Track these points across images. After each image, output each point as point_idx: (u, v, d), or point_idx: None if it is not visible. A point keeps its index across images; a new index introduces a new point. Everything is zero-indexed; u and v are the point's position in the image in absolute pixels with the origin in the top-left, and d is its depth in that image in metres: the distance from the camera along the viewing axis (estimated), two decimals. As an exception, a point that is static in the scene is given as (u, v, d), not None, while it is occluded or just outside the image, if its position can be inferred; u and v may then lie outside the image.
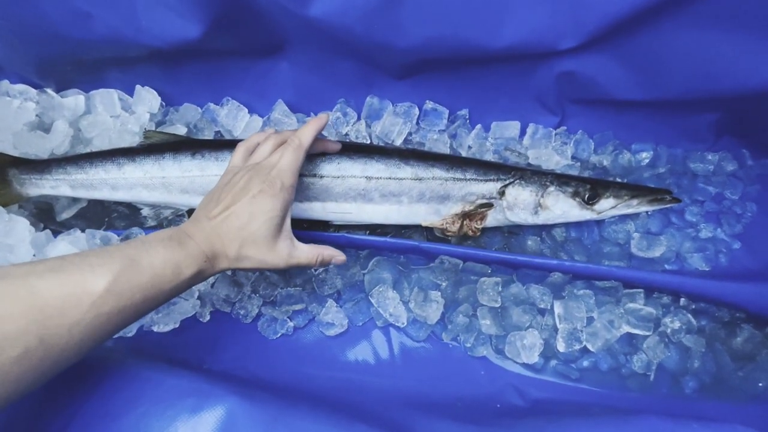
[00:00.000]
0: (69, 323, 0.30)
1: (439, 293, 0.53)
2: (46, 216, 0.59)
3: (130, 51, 0.52)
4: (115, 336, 0.51)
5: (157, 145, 0.54)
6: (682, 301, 0.54)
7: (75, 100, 0.60)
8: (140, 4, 0.44)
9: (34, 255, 0.52)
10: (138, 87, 0.60)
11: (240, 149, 0.47)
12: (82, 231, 0.54)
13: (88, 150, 0.59)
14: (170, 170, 0.53)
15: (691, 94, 0.50)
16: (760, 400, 0.50)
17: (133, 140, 0.59)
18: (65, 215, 0.59)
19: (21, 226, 0.54)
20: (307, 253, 0.44)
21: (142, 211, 0.58)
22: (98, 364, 0.43)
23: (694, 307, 0.54)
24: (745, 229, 0.58)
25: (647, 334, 0.52)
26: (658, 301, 0.54)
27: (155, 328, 0.52)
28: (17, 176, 0.54)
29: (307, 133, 0.45)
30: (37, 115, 0.59)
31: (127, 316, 0.34)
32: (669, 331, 0.52)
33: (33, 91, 0.60)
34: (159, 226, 0.58)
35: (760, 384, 0.51)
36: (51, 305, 0.29)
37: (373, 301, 0.53)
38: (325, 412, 0.37)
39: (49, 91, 0.60)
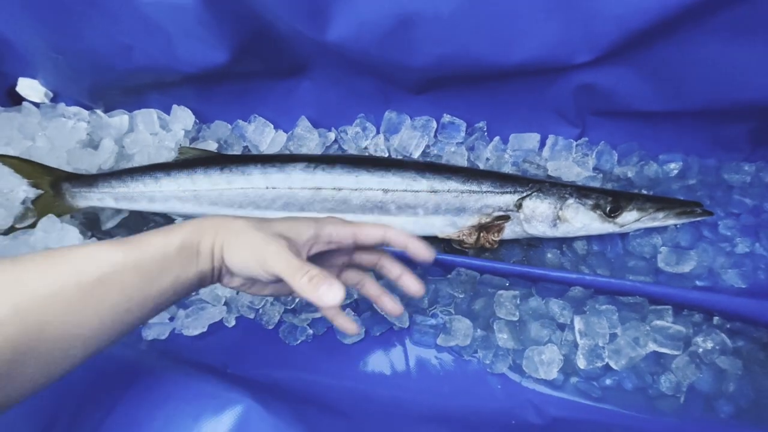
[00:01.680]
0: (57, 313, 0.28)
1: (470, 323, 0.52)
2: (93, 225, 0.65)
3: (167, 76, 0.57)
4: (150, 338, 0.55)
5: (190, 161, 0.58)
6: (716, 320, 0.51)
7: (120, 119, 0.66)
8: (174, 37, 0.48)
9: (81, 261, 0.58)
10: (174, 106, 0.66)
11: None
12: (123, 239, 0.58)
13: (130, 165, 0.64)
14: (201, 183, 0.57)
15: (718, 105, 0.48)
16: (805, 430, 0.46)
17: (169, 156, 0.64)
18: (110, 224, 0.64)
19: (72, 234, 0.59)
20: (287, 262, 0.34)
21: (176, 221, 0.62)
22: (134, 365, 0.46)
23: (729, 326, 0.51)
24: (787, 244, 0.54)
25: (676, 353, 0.49)
26: (689, 319, 0.51)
27: (185, 332, 0.56)
28: (69, 189, 0.60)
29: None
30: (87, 134, 0.66)
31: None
32: (701, 351, 0.49)
33: (85, 113, 0.67)
34: (191, 236, 0.62)
35: (806, 412, 0.47)
36: (39, 294, 0.28)
37: (377, 307, 0.54)
38: (339, 421, 0.38)
39: (99, 111, 0.66)
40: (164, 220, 0.64)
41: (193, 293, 0.57)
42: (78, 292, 0.30)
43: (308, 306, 0.56)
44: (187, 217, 0.61)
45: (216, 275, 0.37)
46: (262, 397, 0.40)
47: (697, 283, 0.54)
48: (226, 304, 0.58)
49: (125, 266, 0.31)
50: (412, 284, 0.42)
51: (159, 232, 0.35)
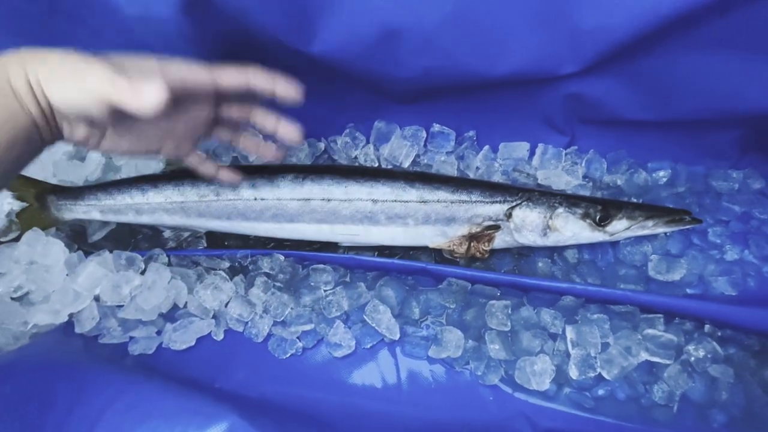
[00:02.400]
0: None
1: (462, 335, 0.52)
2: (79, 238, 0.64)
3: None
4: (137, 353, 0.54)
5: (178, 172, 0.58)
6: (707, 327, 0.51)
7: (108, 131, 0.65)
8: (156, 50, 0.47)
9: (67, 275, 0.57)
10: (163, 118, 0.65)
11: None
12: (111, 252, 0.57)
13: (117, 177, 0.64)
14: (188, 195, 0.56)
15: (705, 114, 0.48)
16: (798, 438, 0.46)
17: (157, 167, 0.63)
18: (96, 237, 0.63)
19: (56, 248, 0.58)
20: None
21: (163, 233, 0.61)
22: (117, 381, 0.45)
23: (720, 334, 0.50)
24: (775, 251, 0.54)
25: (668, 362, 0.49)
26: (680, 328, 0.51)
27: (172, 346, 0.55)
28: (55, 202, 0.59)
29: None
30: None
31: None
32: (693, 359, 0.49)
33: (72, 124, 0.66)
34: (179, 248, 0.61)
35: (799, 420, 0.47)
36: None
37: (367, 318, 0.53)
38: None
39: (86, 123, 0.66)
40: (152, 232, 0.64)
41: (181, 306, 0.57)
42: None
43: (298, 318, 0.55)
44: (174, 228, 0.60)
45: (51, 123, 0.32)
46: (248, 413, 0.39)
47: (688, 290, 0.54)
48: (214, 317, 0.57)
49: None
50: (290, 131, 0.39)
51: None
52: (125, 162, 0.64)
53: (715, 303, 0.50)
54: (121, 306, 0.55)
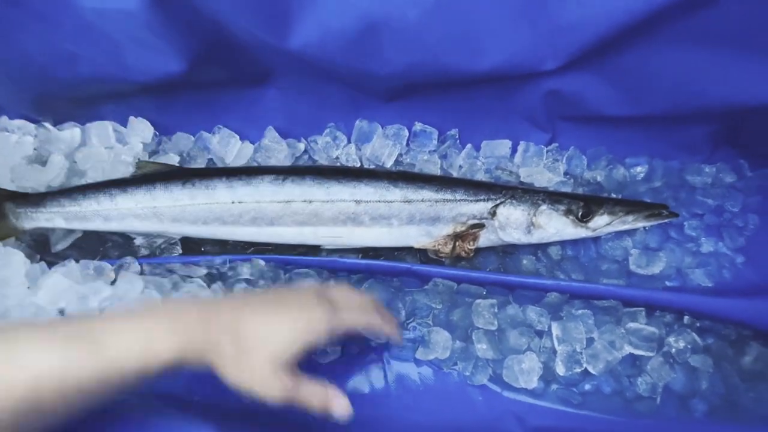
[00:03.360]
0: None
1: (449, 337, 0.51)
2: (42, 247, 0.60)
3: (120, 86, 0.53)
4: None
5: (149, 175, 0.55)
6: (686, 319, 0.52)
7: (71, 132, 0.61)
8: (122, 45, 0.45)
9: (28, 287, 0.53)
10: (131, 118, 0.62)
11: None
12: (77, 261, 0.54)
13: (83, 181, 0.60)
14: (161, 200, 0.53)
15: (680, 110, 0.50)
16: (774, 423, 0.48)
17: (126, 170, 0.60)
18: (61, 246, 0.59)
19: (16, 258, 0.54)
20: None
21: (135, 240, 0.58)
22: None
23: (698, 325, 0.52)
24: (747, 243, 0.56)
25: (650, 354, 0.50)
26: (661, 320, 0.52)
27: (147, 360, 0.52)
28: (13, 210, 0.55)
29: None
30: (35, 149, 0.61)
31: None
32: (674, 351, 0.50)
33: (31, 126, 0.62)
34: (152, 255, 0.58)
35: (774, 406, 0.48)
36: None
37: None
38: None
39: (47, 125, 0.62)
40: (122, 239, 0.60)
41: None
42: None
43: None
44: (147, 235, 0.57)
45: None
46: (229, 426, 0.37)
47: (667, 283, 0.56)
48: (192, 327, 0.54)
49: (85, 379, 0.27)
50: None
51: (133, 334, 0.29)
52: (91, 166, 0.60)
53: (693, 295, 0.51)
54: (90, 319, 0.51)
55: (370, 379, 0.53)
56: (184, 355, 0.30)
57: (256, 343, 0.33)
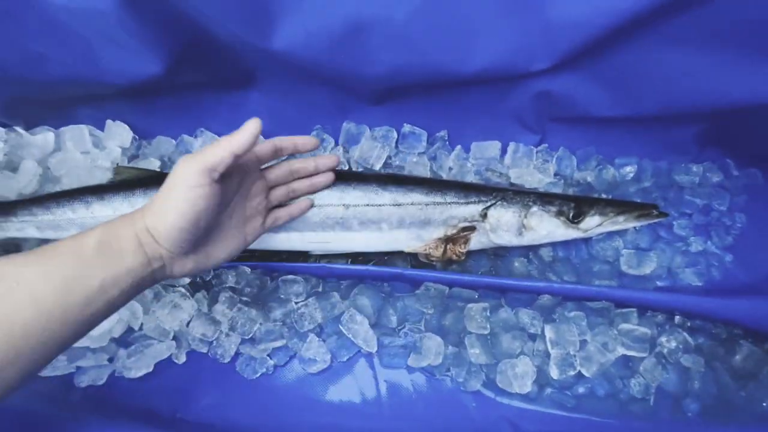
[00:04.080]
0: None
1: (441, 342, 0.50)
2: (14, 258, 0.57)
3: (95, 89, 0.51)
4: (84, 385, 0.49)
5: (128, 181, 0.53)
6: (677, 319, 0.52)
7: (44, 137, 0.59)
8: (95, 45, 0.43)
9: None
10: (108, 122, 0.59)
11: None
12: (51, 273, 0.51)
13: (57, 188, 0.57)
14: (140, 206, 0.51)
15: (668, 110, 0.50)
16: (765, 422, 0.48)
17: (104, 176, 0.57)
18: (34, 257, 0.57)
19: (-15, 271, 0.51)
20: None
21: (113, 249, 0.55)
22: (60, 420, 0.40)
23: (689, 324, 0.52)
24: (735, 241, 0.56)
25: (643, 355, 0.50)
26: (653, 320, 0.52)
27: (127, 374, 0.50)
28: (-19, 219, 0.52)
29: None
30: (5, 155, 0.58)
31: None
32: (666, 351, 0.50)
33: (1, 130, 0.59)
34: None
35: (765, 404, 0.49)
36: None
37: (343, 329, 0.51)
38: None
39: (18, 129, 0.59)
40: (100, 248, 0.58)
41: (136, 329, 0.51)
42: None
43: (268, 335, 0.52)
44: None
45: (160, 265, 0.36)
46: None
47: (658, 283, 0.55)
48: (174, 338, 0.52)
49: (31, 279, 0.29)
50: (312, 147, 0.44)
51: (72, 236, 0.34)
52: (66, 172, 0.57)
53: (684, 294, 0.51)
54: (66, 333, 0.49)
55: (361, 388, 0.51)
56: (107, 234, 0.34)
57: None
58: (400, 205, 0.51)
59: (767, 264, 0.55)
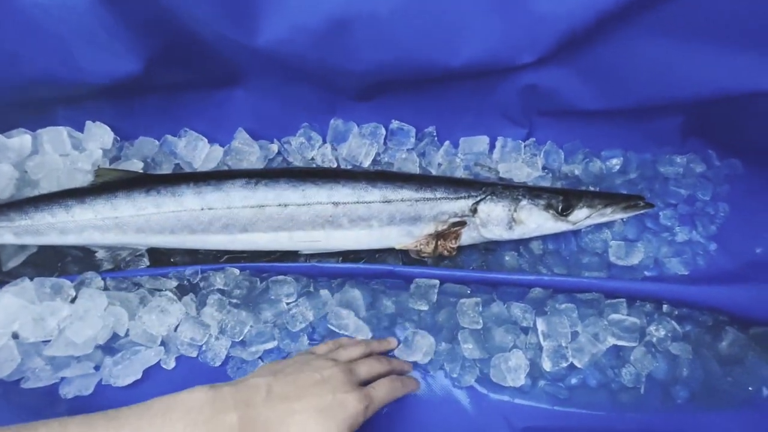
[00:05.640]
0: None
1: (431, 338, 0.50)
2: (-9, 266, 0.55)
3: (72, 89, 0.49)
4: (71, 395, 0.47)
5: (109, 184, 0.51)
6: (665, 307, 0.53)
7: (20, 140, 0.57)
8: (71, 44, 0.41)
9: (-25, 311, 0.48)
10: (88, 123, 0.58)
11: (329, 343, 0.46)
12: (31, 279, 0.50)
13: (36, 193, 0.55)
14: (123, 209, 0.50)
15: (651, 102, 0.50)
16: (751, 406, 0.49)
17: (85, 179, 0.56)
18: (12, 264, 0.55)
19: (-39, 280, 0.49)
20: None
21: (96, 254, 0.54)
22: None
23: (677, 313, 0.53)
24: (719, 230, 0.58)
25: (633, 345, 0.50)
26: (642, 310, 0.53)
27: (114, 383, 0.48)
28: (-45, 226, 0.50)
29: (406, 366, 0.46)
30: (-21, 159, 0.56)
31: None
32: (655, 340, 0.51)
33: (-26, 134, 0.57)
34: (117, 269, 0.54)
35: (750, 388, 0.50)
36: None
37: (332, 327, 0.50)
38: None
39: (-7, 132, 0.57)
40: (83, 253, 0.56)
41: (122, 335, 0.50)
42: None
43: (259, 336, 0.51)
44: (109, 248, 0.53)
45: None
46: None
47: (646, 273, 0.56)
48: (162, 343, 0.51)
49: None
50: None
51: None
52: (44, 175, 0.55)
53: (670, 284, 0.52)
54: (48, 341, 0.47)
55: (355, 387, 0.51)
56: None
57: None
58: (389, 201, 0.50)
59: (749, 252, 0.56)
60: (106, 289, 0.52)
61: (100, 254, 0.54)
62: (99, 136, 0.58)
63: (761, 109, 0.46)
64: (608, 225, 0.56)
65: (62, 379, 0.48)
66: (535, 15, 0.40)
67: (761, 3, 0.37)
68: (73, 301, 0.49)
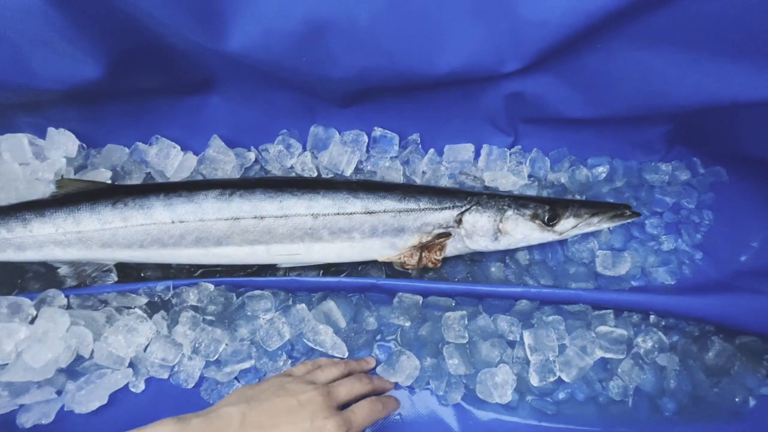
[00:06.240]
0: None
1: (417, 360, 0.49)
2: (-56, 284, 0.51)
3: (28, 95, 0.46)
4: (29, 424, 0.44)
5: (72, 195, 0.48)
6: (652, 318, 0.52)
7: (-24, 148, 0.53)
8: (24, 48, 0.38)
9: (-77, 334, 0.44)
10: (50, 129, 0.54)
11: (306, 363, 0.45)
12: (-12, 298, 0.46)
13: (-8, 205, 0.52)
14: (87, 223, 0.47)
15: (637, 111, 0.50)
16: (738, 417, 0.48)
17: (46, 190, 0.52)
18: (-33, 281, 0.51)
19: None
20: None
21: (59, 270, 0.51)
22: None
23: (664, 323, 0.52)
24: (704, 238, 0.57)
25: (621, 357, 0.50)
26: (629, 321, 0.52)
27: (77, 409, 0.45)
28: None
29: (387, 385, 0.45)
30: (-70, 168, 0.52)
31: None
32: (642, 351, 0.50)
33: (-75, 141, 0.53)
34: (81, 285, 0.51)
35: (737, 399, 0.49)
36: None
37: (308, 343, 0.48)
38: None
39: (-55, 139, 0.53)
40: (45, 268, 0.52)
41: (87, 357, 0.47)
42: None
43: (235, 355, 0.48)
44: (72, 264, 0.50)
45: None
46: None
47: (633, 283, 0.56)
48: (131, 365, 0.48)
49: None
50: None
51: None
52: (1, 186, 0.52)
53: (657, 294, 0.51)
54: (5, 365, 0.44)
55: (337, 406, 0.48)
56: None
57: None
58: (372, 212, 0.48)
59: (734, 260, 0.56)
60: (69, 307, 0.48)
61: (63, 270, 0.50)
62: (62, 144, 0.55)
63: (746, 117, 0.46)
64: (595, 234, 0.56)
65: (21, 406, 0.45)
66: (521, 22, 0.39)
67: (747, 13, 0.36)
68: (32, 321, 0.46)
